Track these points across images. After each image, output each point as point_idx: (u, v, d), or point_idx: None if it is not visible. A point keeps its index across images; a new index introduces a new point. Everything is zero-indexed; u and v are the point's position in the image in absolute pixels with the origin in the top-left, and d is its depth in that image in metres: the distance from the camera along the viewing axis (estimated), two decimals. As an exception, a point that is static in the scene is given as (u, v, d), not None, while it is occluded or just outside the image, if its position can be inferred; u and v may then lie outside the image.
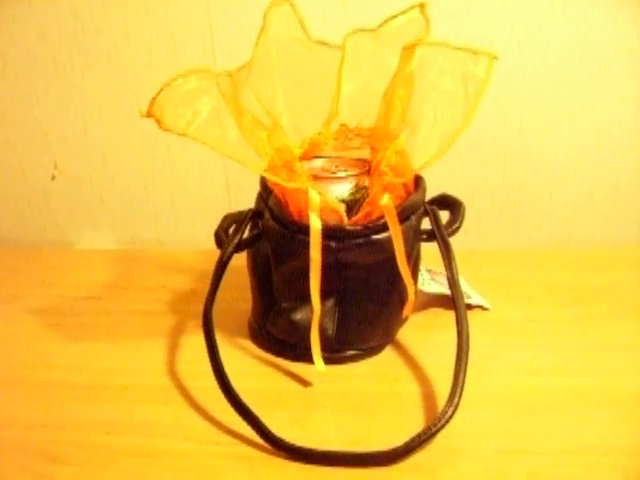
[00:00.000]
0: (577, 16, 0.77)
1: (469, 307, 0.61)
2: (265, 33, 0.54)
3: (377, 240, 0.51)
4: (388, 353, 0.56)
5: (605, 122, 0.81)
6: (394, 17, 0.53)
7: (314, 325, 0.50)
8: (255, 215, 0.56)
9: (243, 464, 0.43)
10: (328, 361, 0.52)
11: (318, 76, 0.56)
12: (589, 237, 0.90)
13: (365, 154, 0.58)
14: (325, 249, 0.50)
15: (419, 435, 0.43)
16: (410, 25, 0.53)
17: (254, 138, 0.51)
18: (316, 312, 0.50)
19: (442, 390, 0.49)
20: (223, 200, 0.90)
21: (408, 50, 0.51)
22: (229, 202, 0.90)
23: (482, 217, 0.89)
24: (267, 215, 0.54)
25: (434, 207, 0.56)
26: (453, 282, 0.51)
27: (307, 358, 0.52)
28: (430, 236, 0.55)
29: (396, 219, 0.50)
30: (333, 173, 0.55)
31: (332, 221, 0.51)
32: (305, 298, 0.50)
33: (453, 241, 0.53)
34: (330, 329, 0.53)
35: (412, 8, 0.53)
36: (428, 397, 0.50)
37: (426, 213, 0.56)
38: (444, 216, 0.56)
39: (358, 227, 0.50)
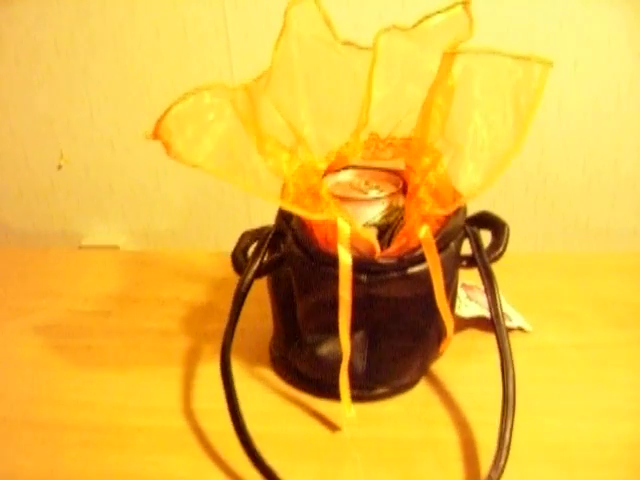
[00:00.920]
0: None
1: (508, 329, 0.55)
2: (286, 33, 0.47)
3: (413, 274, 0.45)
4: (421, 388, 0.52)
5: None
6: (433, 15, 0.46)
7: (343, 368, 0.46)
8: (276, 235, 0.51)
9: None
10: (356, 399, 0.48)
11: (346, 81, 0.50)
12: (630, 228, 0.85)
13: (398, 164, 0.52)
14: (355, 282, 0.44)
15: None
16: (450, 24, 0.46)
17: (277, 163, 0.45)
18: (345, 354, 0.45)
19: (483, 436, 0.45)
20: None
21: (449, 56, 0.45)
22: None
23: (515, 207, 0.84)
24: (290, 238, 0.49)
25: (474, 229, 0.50)
26: (497, 321, 0.46)
27: (333, 395, 0.47)
28: (470, 262, 0.49)
29: (436, 253, 0.44)
30: (364, 193, 0.49)
31: (363, 249, 0.45)
32: (332, 331, 0.46)
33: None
34: (360, 365, 0.49)
35: (454, 5, 0.46)
36: (468, 445, 0.45)
37: (466, 235, 0.50)
38: (484, 236, 0.51)
39: (392, 260, 0.45)
